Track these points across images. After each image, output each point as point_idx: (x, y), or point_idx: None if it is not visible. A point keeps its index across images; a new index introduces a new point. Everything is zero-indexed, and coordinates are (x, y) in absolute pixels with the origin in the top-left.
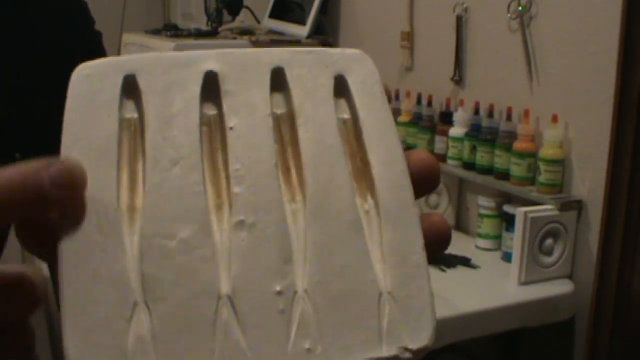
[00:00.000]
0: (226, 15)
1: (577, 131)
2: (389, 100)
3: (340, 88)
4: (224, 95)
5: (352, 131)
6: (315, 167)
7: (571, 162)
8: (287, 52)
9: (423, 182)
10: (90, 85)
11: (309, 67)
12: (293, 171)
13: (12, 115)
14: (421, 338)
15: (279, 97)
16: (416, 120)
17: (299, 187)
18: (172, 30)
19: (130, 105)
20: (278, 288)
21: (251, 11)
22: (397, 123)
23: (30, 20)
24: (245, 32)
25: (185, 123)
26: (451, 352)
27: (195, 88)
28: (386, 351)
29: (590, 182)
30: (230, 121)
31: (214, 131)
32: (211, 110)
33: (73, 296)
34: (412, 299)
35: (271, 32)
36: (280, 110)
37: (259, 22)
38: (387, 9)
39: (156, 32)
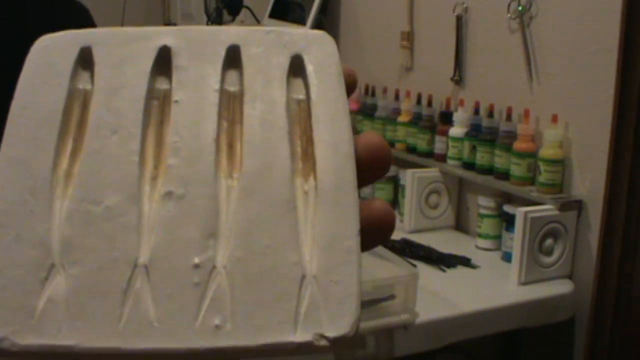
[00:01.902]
0: (226, 15)
1: (577, 131)
2: (354, 84)
3: (298, 68)
4: (175, 70)
5: (305, 112)
6: (255, 145)
7: (571, 162)
8: (246, 31)
9: (371, 167)
10: (46, 56)
11: (266, 46)
12: (238, 148)
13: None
14: (340, 326)
15: (233, 75)
16: (416, 120)
17: (239, 164)
18: None
19: (85, 76)
20: (196, 261)
21: (251, 11)
22: (397, 123)
23: (29, 25)
24: None
25: (131, 94)
26: (451, 352)
27: (147, 62)
28: (300, 336)
29: (590, 182)
30: (177, 95)
31: (163, 105)
32: (163, 85)
33: None
34: (337, 285)
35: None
36: (234, 88)
37: (259, 22)
38: (387, 9)
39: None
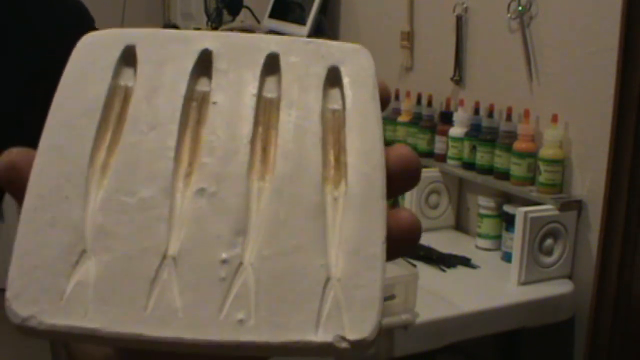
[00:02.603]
0: (226, 15)
1: (577, 131)
2: (388, 99)
3: (335, 79)
4: (215, 73)
5: (340, 121)
6: (288, 149)
7: (571, 162)
8: (285, 40)
9: (401, 178)
10: (91, 52)
11: (305, 56)
12: (271, 153)
13: (14, 114)
14: (362, 329)
15: (271, 82)
16: (416, 120)
17: (272, 168)
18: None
19: (128, 73)
20: (224, 256)
21: (251, 11)
22: (397, 123)
23: (18, 24)
24: (245, 32)
25: (171, 93)
26: (451, 352)
27: (188, 63)
28: (321, 336)
29: (590, 182)
30: (215, 97)
31: (202, 106)
32: (203, 87)
33: (26, 236)
34: (361, 289)
35: (271, 32)
36: (271, 94)
37: (259, 22)
38: (387, 9)
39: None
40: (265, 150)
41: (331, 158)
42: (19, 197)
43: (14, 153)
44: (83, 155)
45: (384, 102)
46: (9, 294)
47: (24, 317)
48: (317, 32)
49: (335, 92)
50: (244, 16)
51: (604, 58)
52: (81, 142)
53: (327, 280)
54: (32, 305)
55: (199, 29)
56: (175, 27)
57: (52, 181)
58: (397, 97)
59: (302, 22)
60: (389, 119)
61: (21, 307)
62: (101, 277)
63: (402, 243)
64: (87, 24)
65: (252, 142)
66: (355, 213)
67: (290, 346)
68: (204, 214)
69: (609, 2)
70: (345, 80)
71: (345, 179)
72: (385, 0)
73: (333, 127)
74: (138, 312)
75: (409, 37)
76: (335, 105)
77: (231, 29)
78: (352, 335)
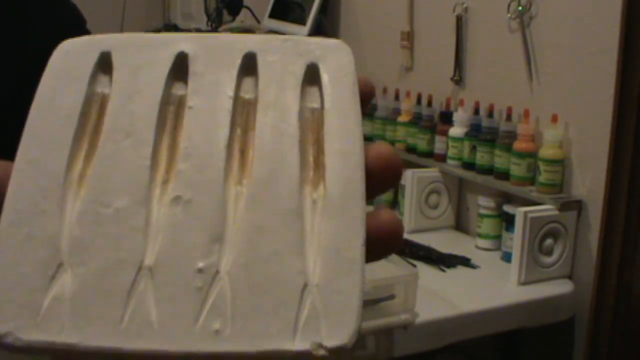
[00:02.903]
0: (226, 15)
1: (577, 131)
2: (371, 94)
3: (314, 77)
4: (191, 76)
5: (318, 120)
6: (265, 152)
7: (571, 162)
8: (263, 39)
9: (382, 177)
10: (67, 60)
11: (282, 54)
12: (250, 155)
13: (13, 112)
14: (340, 336)
15: (248, 82)
16: (416, 120)
17: (250, 171)
18: (172, 30)
19: (104, 81)
20: (200, 265)
21: (251, 11)
22: (397, 123)
23: (18, 23)
24: (245, 32)
25: (147, 99)
26: (451, 352)
27: (164, 68)
28: (299, 344)
29: (590, 182)
30: (191, 101)
31: (179, 110)
32: (180, 91)
33: (3, 252)
34: (339, 295)
35: (271, 32)
36: (249, 95)
37: (259, 22)
38: (387, 9)
39: (156, 32)
40: (243, 153)
41: (310, 159)
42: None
43: None
44: (59, 168)
45: (368, 97)
46: None
47: (0, 334)
48: (317, 32)
49: (314, 91)
50: (244, 16)
51: (604, 58)
52: (57, 154)
53: (305, 286)
54: (9, 322)
55: (199, 29)
56: (175, 27)
57: (28, 195)
58: (397, 97)
59: (302, 22)
60: (389, 119)
61: None
62: (77, 290)
63: (384, 245)
64: (82, 24)
65: (229, 146)
66: (334, 216)
67: (267, 355)
68: (179, 222)
69: (609, 2)
70: (324, 78)
71: (324, 181)
72: (385, 0)
73: (312, 127)
74: (114, 325)
75: (409, 37)
76: (314, 104)
77: (231, 29)
78: (330, 342)
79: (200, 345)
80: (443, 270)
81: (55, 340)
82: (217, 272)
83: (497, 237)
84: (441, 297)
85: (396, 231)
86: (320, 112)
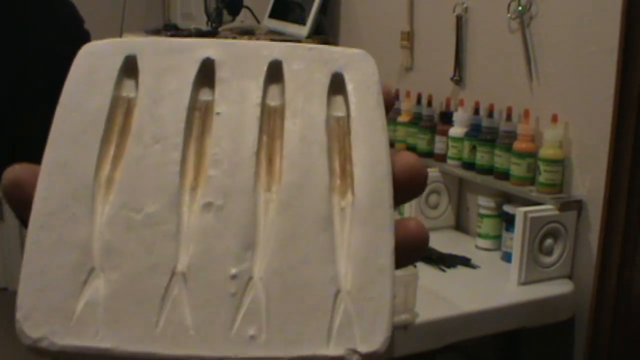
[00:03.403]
0: (226, 15)
1: (577, 131)
2: (392, 102)
3: (339, 86)
4: (218, 82)
5: (344, 129)
6: (294, 159)
7: (571, 162)
8: (288, 47)
9: (407, 186)
10: (92, 62)
11: (308, 62)
12: (277, 163)
13: (8, 112)
14: (373, 342)
15: (274, 90)
16: (416, 120)
17: (278, 178)
18: (172, 30)
19: (129, 84)
20: (234, 271)
21: (251, 11)
22: (397, 123)
23: (17, 23)
24: (245, 32)
25: (174, 104)
26: (451, 352)
27: (191, 73)
28: (333, 350)
29: (590, 182)
30: (219, 107)
31: (205, 116)
32: (206, 96)
33: (34, 256)
34: (371, 302)
35: (271, 32)
36: (275, 102)
37: (259, 22)
38: (387, 9)
39: (156, 32)
40: (271, 160)
41: (336, 167)
42: (23, 214)
43: (18, 169)
44: (88, 171)
45: (390, 105)
46: (19, 315)
47: (35, 339)
48: (317, 32)
49: (339, 99)
50: (244, 16)
51: (604, 58)
52: (86, 158)
53: (337, 292)
54: (43, 326)
55: (199, 29)
56: (175, 27)
57: (57, 199)
58: (397, 97)
59: (302, 22)
60: (389, 119)
61: (32, 329)
62: (111, 295)
63: (410, 252)
64: (80, 24)
65: (258, 152)
66: (363, 224)
67: None
68: (211, 228)
69: (609, 2)
70: (349, 87)
71: (352, 189)
72: (385, 0)
73: (338, 135)
74: (149, 330)
75: (409, 37)
76: (340, 112)
77: (231, 29)
78: (364, 348)
79: (236, 350)
80: (443, 270)
81: (90, 345)
82: (251, 278)
83: (497, 237)
84: (441, 297)
85: (423, 239)
86: (345, 120)
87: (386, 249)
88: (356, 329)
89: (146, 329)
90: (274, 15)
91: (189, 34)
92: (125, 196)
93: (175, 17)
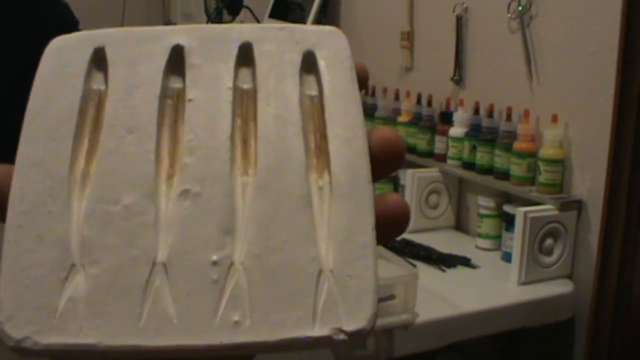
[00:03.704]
0: (226, 15)
1: (577, 131)
2: (366, 78)
3: (311, 64)
4: (188, 69)
5: (318, 107)
6: (269, 141)
7: (571, 162)
8: (258, 28)
9: (385, 160)
10: (60, 57)
11: (279, 43)
12: (252, 145)
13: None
14: (358, 320)
15: (246, 73)
16: (416, 120)
17: (254, 161)
18: None
19: (99, 77)
20: (214, 258)
21: (251, 11)
22: (397, 123)
23: (15, 24)
24: None
25: (146, 94)
26: (451, 352)
27: (161, 61)
28: (318, 331)
29: (590, 182)
30: (190, 93)
31: (177, 104)
32: (177, 84)
33: (13, 255)
34: (354, 279)
35: None
36: (247, 85)
37: (259, 22)
38: (387, 9)
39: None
40: (246, 143)
41: (312, 146)
42: (2, 214)
43: None
44: (63, 168)
45: (364, 81)
46: (1, 317)
47: (18, 339)
48: None
49: (311, 78)
50: (244, 16)
51: (604, 58)
52: (59, 154)
53: (320, 272)
54: (26, 326)
55: None
56: None
57: (33, 197)
58: (397, 97)
59: (302, 22)
60: (389, 119)
61: (14, 329)
62: (92, 290)
63: (393, 228)
64: (76, 24)
65: (232, 136)
66: (342, 202)
67: (288, 343)
68: (190, 216)
69: (609, 2)
70: (322, 65)
71: (329, 168)
72: (385, 0)
73: (312, 114)
74: (133, 323)
75: (409, 37)
76: (313, 91)
77: None
78: (350, 327)
79: (221, 337)
80: (443, 270)
81: (74, 341)
82: (232, 263)
83: (497, 237)
84: (441, 297)
85: (404, 213)
86: (319, 99)
87: (367, 226)
88: (341, 308)
89: (130, 322)
90: (274, 15)
91: None
92: (101, 189)
93: (175, 17)
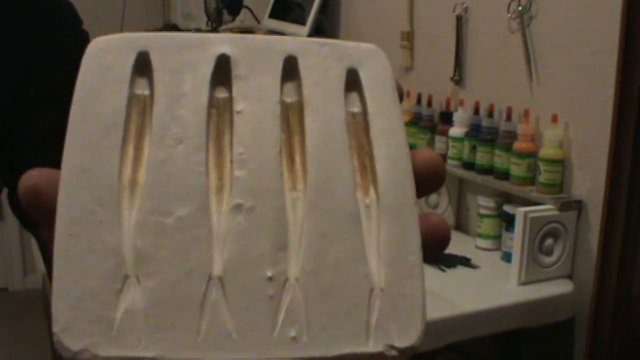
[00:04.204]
0: (226, 15)
1: (577, 131)
2: (401, 98)
3: (353, 81)
4: (235, 79)
5: (361, 125)
6: (318, 157)
7: (571, 162)
8: (302, 42)
9: (427, 181)
10: (103, 59)
11: (322, 58)
12: (297, 160)
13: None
14: (409, 337)
15: (290, 86)
16: (416, 120)
17: (301, 176)
18: (172, 30)
19: (142, 82)
20: (269, 274)
21: (251, 11)
22: None
23: (15, 25)
24: (245, 32)
25: (194, 103)
26: (451, 352)
27: (207, 70)
28: (372, 347)
29: (590, 182)
30: (239, 105)
31: (223, 114)
32: (221, 94)
33: (65, 265)
34: (404, 298)
35: (271, 32)
36: (291, 99)
37: (259, 22)
38: (387, 9)
39: (157, 31)
40: (291, 158)
41: (356, 164)
42: (44, 221)
43: (35, 176)
44: (111, 176)
45: (399, 101)
46: (56, 328)
47: (75, 351)
48: (317, 32)
49: (354, 95)
50: (243, 16)
51: (604, 58)
52: (107, 161)
53: (371, 290)
54: (83, 338)
55: (199, 29)
56: (175, 27)
57: (82, 205)
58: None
59: (302, 22)
60: None
61: (71, 341)
62: (149, 303)
63: (434, 247)
64: (78, 24)
65: (280, 151)
66: (391, 221)
67: (344, 358)
68: (243, 230)
69: (609, 2)
70: (365, 83)
71: (374, 186)
72: (385, 0)
73: (355, 132)
74: (192, 337)
75: (409, 37)
76: (355, 108)
77: (231, 29)
78: (401, 343)
79: (280, 352)
80: (443, 270)
81: (134, 354)
82: (287, 279)
83: (497, 237)
84: (441, 297)
85: (446, 233)
86: (361, 116)
87: (415, 245)
88: (392, 325)
89: (189, 336)
90: (274, 15)
91: None
92: (153, 200)
93: (175, 17)
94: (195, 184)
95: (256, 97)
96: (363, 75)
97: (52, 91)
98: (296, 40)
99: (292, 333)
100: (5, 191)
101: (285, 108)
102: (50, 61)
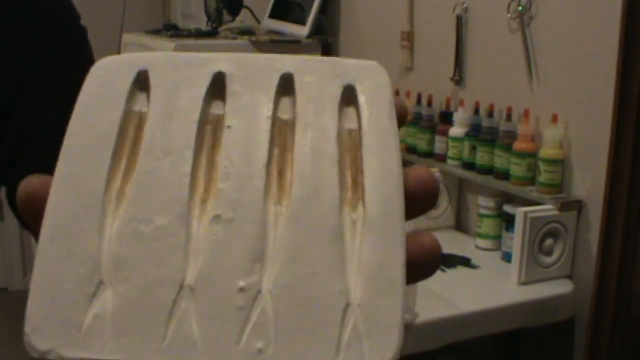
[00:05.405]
0: (226, 15)
1: (577, 131)
2: (404, 118)
3: (351, 98)
4: (229, 95)
5: (356, 141)
6: (304, 172)
7: (571, 162)
8: (300, 60)
9: (419, 200)
10: (104, 77)
11: (320, 75)
12: (288, 176)
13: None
14: (382, 356)
15: (286, 103)
16: (416, 120)
17: (289, 191)
18: (172, 30)
19: (141, 99)
20: (242, 284)
21: (251, 11)
22: None
23: (12, 23)
24: (245, 32)
25: (185, 118)
26: (451, 352)
27: (202, 86)
28: None
29: (590, 182)
30: (229, 120)
31: (217, 130)
32: (217, 110)
33: (43, 268)
34: (381, 315)
35: (271, 32)
36: (286, 115)
37: (259, 22)
38: (387, 9)
39: (156, 32)
40: (281, 173)
41: (348, 179)
42: (36, 226)
43: (35, 182)
44: (99, 185)
45: (402, 120)
46: (27, 328)
47: (42, 351)
48: (317, 32)
49: (351, 111)
50: (244, 16)
51: (604, 58)
52: (97, 171)
53: (347, 306)
54: (51, 339)
55: (199, 29)
56: (175, 27)
57: (67, 211)
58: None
59: (302, 22)
60: None
61: (39, 341)
62: (118, 308)
63: (424, 267)
64: (76, 20)
65: (268, 165)
66: (374, 236)
67: None
68: (220, 241)
69: (609, 2)
70: (361, 99)
71: (363, 201)
72: (385, 0)
73: (350, 148)
74: (157, 344)
75: (409, 37)
76: (351, 124)
77: (231, 29)
78: None
79: None
80: (443, 270)
81: (98, 357)
82: (259, 291)
83: (497, 237)
84: (441, 297)
85: (436, 255)
86: (357, 133)
87: (397, 262)
88: (365, 342)
89: (154, 342)
90: (274, 15)
91: (188, 34)
92: (135, 209)
93: (175, 17)
94: (177, 194)
95: (248, 113)
96: (360, 91)
97: (52, 89)
98: (295, 58)
99: (259, 345)
100: (5, 191)
101: (279, 124)
102: (49, 57)
